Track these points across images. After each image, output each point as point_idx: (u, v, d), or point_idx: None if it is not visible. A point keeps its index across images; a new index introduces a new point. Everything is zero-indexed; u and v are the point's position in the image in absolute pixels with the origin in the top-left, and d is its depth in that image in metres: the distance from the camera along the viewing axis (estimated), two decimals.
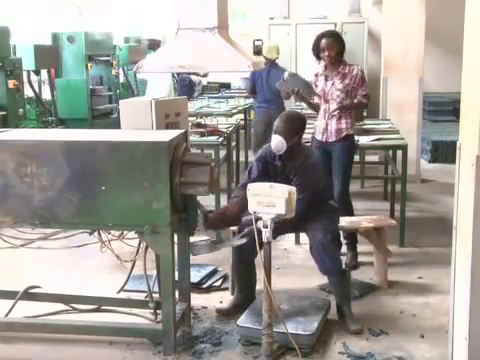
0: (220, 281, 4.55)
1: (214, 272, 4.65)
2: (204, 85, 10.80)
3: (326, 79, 4.83)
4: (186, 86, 9.84)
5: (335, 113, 4.77)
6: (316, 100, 4.93)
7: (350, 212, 4.86)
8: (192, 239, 3.86)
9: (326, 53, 4.72)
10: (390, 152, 6.59)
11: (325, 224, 3.88)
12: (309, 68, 5.28)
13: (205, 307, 4.12)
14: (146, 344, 3.62)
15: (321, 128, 4.86)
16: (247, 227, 3.67)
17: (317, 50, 4.79)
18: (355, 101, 4.82)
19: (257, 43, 12.25)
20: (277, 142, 3.81)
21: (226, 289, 4.38)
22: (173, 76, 9.29)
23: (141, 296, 4.08)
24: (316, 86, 4.92)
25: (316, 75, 4.92)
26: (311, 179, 3.87)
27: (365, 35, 11.13)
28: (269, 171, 3.96)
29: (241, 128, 8.57)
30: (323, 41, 4.74)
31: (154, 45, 8.93)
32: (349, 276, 3.98)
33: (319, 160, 4.17)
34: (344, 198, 4.81)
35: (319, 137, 4.89)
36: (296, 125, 3.91)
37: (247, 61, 3.84)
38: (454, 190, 2.80)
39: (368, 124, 6.42)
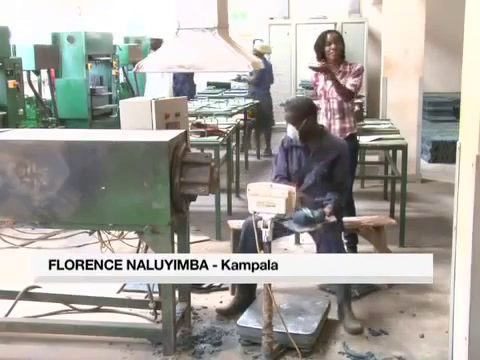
0: None
1: None
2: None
3: (326, 78, 4.83)
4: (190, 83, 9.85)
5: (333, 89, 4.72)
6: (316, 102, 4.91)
7: (353, 213, 4.87)
8: (192, 238, 3.87)
9: (332, 46, 4.71)
10: (390, 152, 6.59)
11: (339, 220, 3.92)
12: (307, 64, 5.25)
13: (205, 307, 4.12)
14: (146, 344, 3.62)
15: None
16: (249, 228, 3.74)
17: (321, 47, 4.77)
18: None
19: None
20: (289, 130, 4.10)
21: (226, 289, 4.37)
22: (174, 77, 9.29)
23: (141, 296, 4.08)
24: (316, 86, 4.92)
25: (316, 74, 4.92)
26: (345, 169, 4.15)
27: (365, 35, 11.14)
28: (290, 157, 4.17)
29: (241, 128, 8.57)
30: (329, 35, 4.75)
31: (158, 45, 8.94)
32: None
33: (346, 145, 4.29)
34: (347, 199, 4.81)
35: None
36: (301, 111, 4.07)
37: (247, 61, 3.85)
38: (454, 190, 2.80)
39: (368, 124, 6.41)
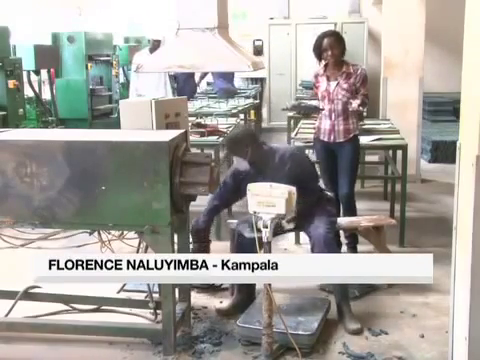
0: None
1: None
2: None
3: (328, 79, 4.81)
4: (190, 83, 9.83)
5: (357, 109, 4.76)
6: (315, 103, 4.92)
7: (354, 213, 4.87)
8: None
9: (329, 53, 4.70)
10: (390, 152, 6.58)
11: (326, 220, 3.91)
12: (309, 68, 5.27)
13: (205, 307, 4.12)
14: (146, 344, 3.62)
15: (327, 129, 4.83)
16: (245, 225, 3.81)
17: (319, 50, 4.76)
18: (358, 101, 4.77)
19: (257, 43, 12.27)
20: (239, 163, 4.09)
21: (226, 289, 4.37)
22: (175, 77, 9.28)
23: (141, 296, 4.08)
24: (317, 87, 4.92)
25: (316, 76, 4.90)
26: (308, 171, 4.05)
27: (365, 35, 11.14)
28: (242, 184, 3.81)
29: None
30: (325, 41, 4.71)
31: (156, 46, 8.95)
32: None
33: (293, 152, 4.12)
34: (350, 199, 4.82)
35: (325, 138, 4.86)
36: (240, 143, 3.94)
37: (247, 61, 3.84)
38: (454, 190, 2.80)
39: (368, 124, 6.41)
